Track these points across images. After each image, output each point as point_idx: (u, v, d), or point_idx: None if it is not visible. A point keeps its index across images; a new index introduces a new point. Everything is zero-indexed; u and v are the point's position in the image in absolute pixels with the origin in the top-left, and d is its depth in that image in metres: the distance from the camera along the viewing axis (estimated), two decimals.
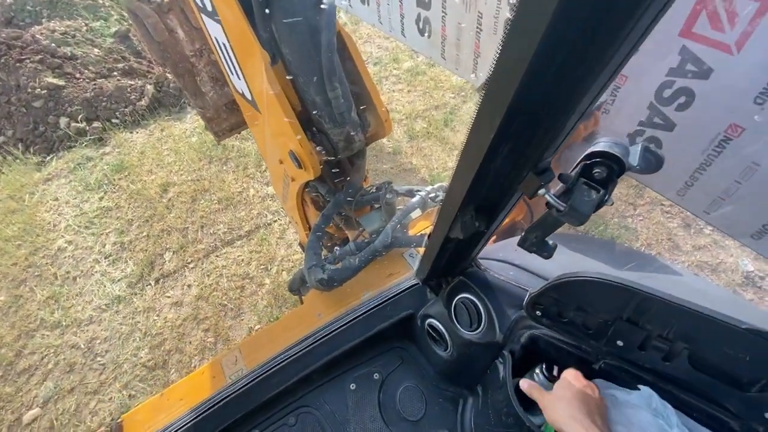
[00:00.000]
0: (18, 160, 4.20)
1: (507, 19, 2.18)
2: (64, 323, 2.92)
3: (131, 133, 4.39)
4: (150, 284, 3.05)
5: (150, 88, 4.69)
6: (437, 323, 0.91)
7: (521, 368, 0.78)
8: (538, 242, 0.59)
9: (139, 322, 2.85)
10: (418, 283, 1.02)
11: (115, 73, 5.03)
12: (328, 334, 1.02)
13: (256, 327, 2.74)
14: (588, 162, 0.47)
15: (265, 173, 3.71)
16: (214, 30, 1.27)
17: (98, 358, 2.73)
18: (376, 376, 1.02)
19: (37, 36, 5.30)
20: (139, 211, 3.57)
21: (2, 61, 4.79)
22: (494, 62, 0.37)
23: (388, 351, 1.05)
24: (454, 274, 0.89)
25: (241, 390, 0.99)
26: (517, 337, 0.77)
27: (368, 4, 3.49)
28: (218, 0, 1.04)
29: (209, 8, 1.16)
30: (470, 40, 2.50)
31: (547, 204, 0.50)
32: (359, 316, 1.03)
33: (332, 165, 1.30)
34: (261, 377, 1.00)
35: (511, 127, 0.41)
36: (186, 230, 3.35)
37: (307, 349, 1.02)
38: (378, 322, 1.01)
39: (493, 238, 1.34)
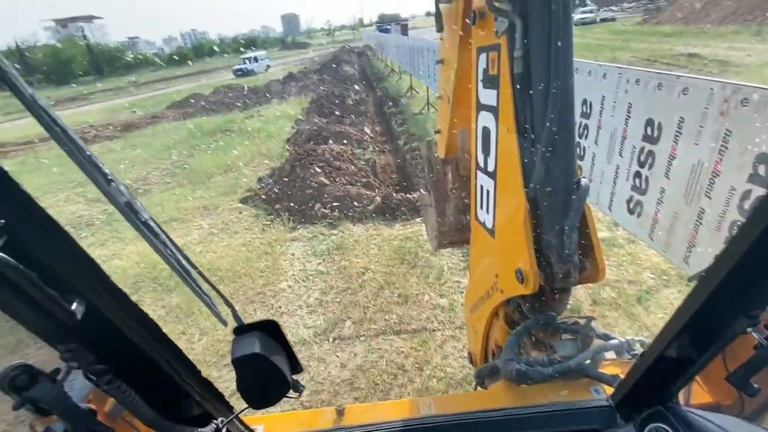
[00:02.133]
0: (281, 223, 6.03)
1: (732, 221, 2.25)
2: None
3: (354, 225, 5.77)
4: (328, 340, 3.71)
5: (378, 199, 6.18)
6: None
7: None
8: (744, 380, 0.74)
9: (311, 366, 3.45)
10: (608, 406, 1.15)
11: (359, 184, 6.87)
12: (512, 415, 1.23)
13: None
14: None
15: (442, 286, 4.22)
16: (483, 181, 1.92)
17: None
18: None
19: (324, 151, 7.82)
20: (340, 282, 4.52)
21: (302, 161, 7.25)
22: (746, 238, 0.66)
23: None
24: (652, 404, 1.01)
25: (433, 424, 1.27)
26: None
27: None
28: (504, 168, 1.66)
29: (490, 169, 1.80)
30: (686, 230, 2.60)
31: (756, 345, 0.70)
32: (544, 411, 1.21)
33: (542, 290, 1.63)
34: (450, 422, 1.27)
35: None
36: (367, 309, 4.03)
37: (489, 418, 1.25)
38: (561, 425, 1.17)
39: None
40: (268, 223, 6.10)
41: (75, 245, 0.59)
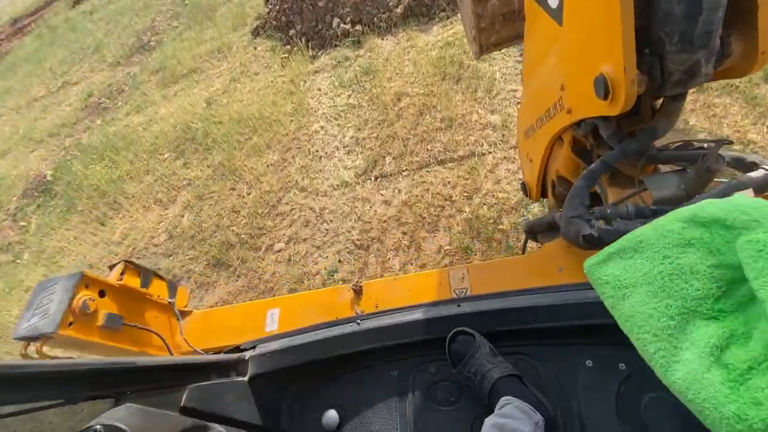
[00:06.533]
0: (300, 52, 5.20)
1: None
2: (308, 189, 3.72)
3: (382, 39, 4.78)
4: (370, 179, 3.51)
5: None
6: None
7: None
8: None
9: (357, 207, 3.38)
10: None
11: None
12: (572, 301, 0.90)
13: (446, 247, 2.87)
14: None
15: (493, 100, 3.52)
16: None
17: (324, 224, 3.43)
18: (622, 366, 0.87)
19: None
20: (375, 114, 4.01)
21: None
22: None
23: None
24: None
25: (466, 311, 1.00)
26: None
27: None
28: None
29: None
30: None
31: None
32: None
33: (637, 102, 1.03)
34: (487, 309, 0.98)
35: None
36: (408, 141, 3.61)
37: (543, 304, 0.93)
38: None
39: None
40: (286, 55, 5.32)
41: None
